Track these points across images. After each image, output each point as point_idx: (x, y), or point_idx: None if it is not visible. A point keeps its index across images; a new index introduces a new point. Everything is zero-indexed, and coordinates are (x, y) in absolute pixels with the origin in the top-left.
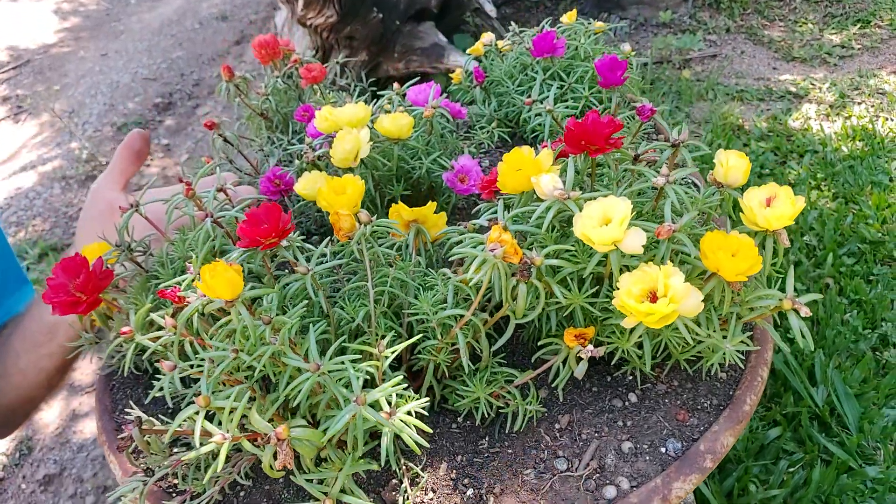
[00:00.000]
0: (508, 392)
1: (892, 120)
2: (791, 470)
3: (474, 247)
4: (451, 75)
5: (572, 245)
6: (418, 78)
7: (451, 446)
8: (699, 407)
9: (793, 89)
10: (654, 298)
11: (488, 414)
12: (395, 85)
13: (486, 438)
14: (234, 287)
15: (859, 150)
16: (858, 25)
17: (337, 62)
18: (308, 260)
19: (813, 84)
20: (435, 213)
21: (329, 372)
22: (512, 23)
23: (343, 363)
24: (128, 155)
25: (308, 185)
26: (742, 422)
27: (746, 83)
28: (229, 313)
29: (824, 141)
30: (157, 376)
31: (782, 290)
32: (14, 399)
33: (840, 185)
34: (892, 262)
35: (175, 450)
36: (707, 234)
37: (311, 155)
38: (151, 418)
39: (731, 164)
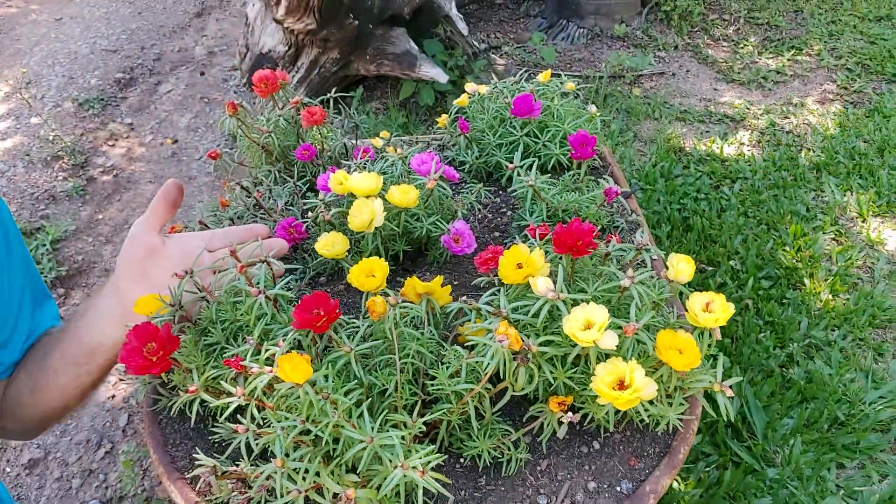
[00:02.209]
0: (503, 443)
1: (813, 152)
2: (707, 470)
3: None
4: (427, 82)
5: (558, 333)
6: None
7: (456, 483)
8: (645, 454)
9: (730, 113)
10: (622, 386)
11: (488, 461)
12: (398, 151)
13: (484, 477)
14: (306, 374)
15: (783, 179)
16: (792, 52)
17: (331, 95)
18: (349, 337)
19: (748, 108)
20: (430, 261)
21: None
22: (493, 76)
23: (390, 435)
24: (164, 204)
25: (328, 245)
26: (677, 467)
27: (690, 103)
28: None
29: (754, 169)
30: (204, 413)
31: (714, 374)
32: (50, 410)
33: (764, 213)
34: (803, 287)
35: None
36: (660, 332)
37: (327, 214)
38: (219, 464)
39: (680, 269)
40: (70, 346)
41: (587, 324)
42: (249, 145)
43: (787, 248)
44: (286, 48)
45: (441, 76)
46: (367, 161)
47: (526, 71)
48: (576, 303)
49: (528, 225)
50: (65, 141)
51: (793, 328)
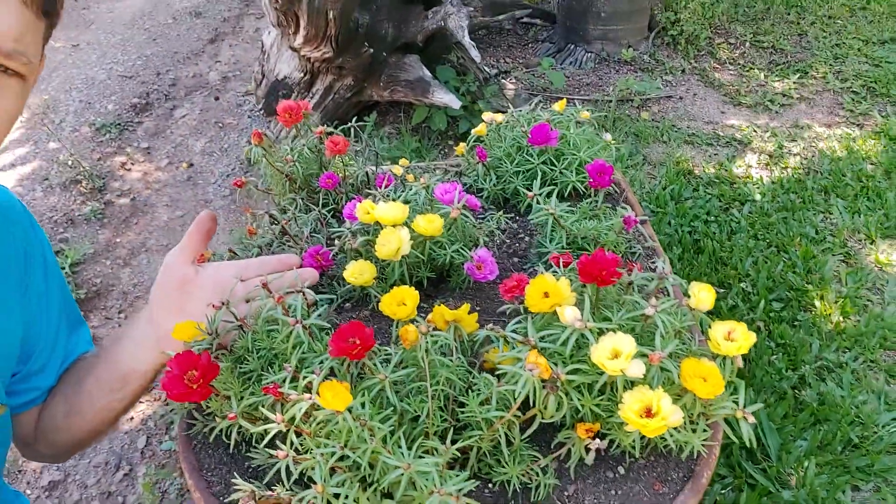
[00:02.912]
0: (532, 469)
1: (820, 174)
2: (723, 492)
3: (513, 359)
4: (439, 108)
5: (584, 361)
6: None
7: None
8: (669, 479)
9: (738, 136)
10: (649, 413)
11: (517, 487)
12: (422, 179)
13: (513, 502)
14: (346, 402)
15: (792, 202)
16: (798, 75)
17: (351, 125)
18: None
19: (755, 131)
20: (452, 287)
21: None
22: (504, 101)
23: (426, 462)
24: (198, 235)
25: (356, 273)
26: (700, 492)
27: (697, 126)
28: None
29: (763, 191)
30: (238, 439)
31: (735, 400)
32: (83, 434)
33: (774, 235)
34: (814, 309)
35: None
36: (684, 361)
37: (354, 243)
38: (257, 489)
39: (701, 297)
40: (105, 372)
41: (615, 353)
42: (273, 173)
43: (798, 270)
44: (302, 75)
45: (454, 102)
46: (392, 190)
47: (534, 95)
48: (601, 332)
49: (548, 251)
50: (83, 165)
51: (804, 350)
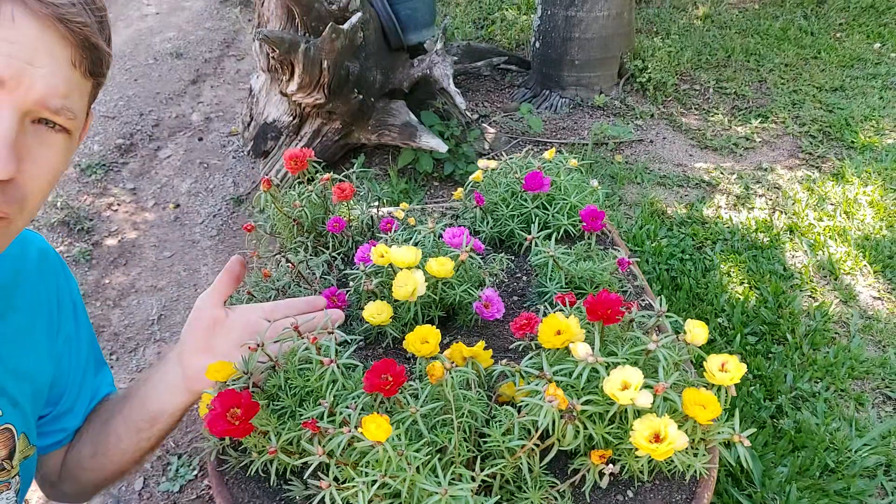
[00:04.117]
0: (550, 494)
1: (785, 214)
2: None
3: (533, 394)
4: (422, 152)
5: (595, 393)
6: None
7: None
8: (674, 501)
9: (706, 178)
10: (657, 439)
11: None
12: (430, 224)
13: None
14: (387, 433)
15: (760, 241)
16: (759, 120)
17: (352, 171)
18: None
19: (722, 173)
20: (460, 325)
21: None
22: (491, 149)
23: (461, 487)
24: (228, 279)
25: (374, 313)
26: None
27: (668, 168)
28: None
29: (733, 230)
30: (267, 473)
31: (731, 426)
32: (109, 473)
33: (745, 273)
34: (786, 342)
35: None
36: (685, 390)
37: (370, 284)
38: None
39: (696, 333)
40: (133, 412)
41: (624, 384)
42: (281, 218)
43: (769, 306)
44: (291, 118)
45: (441, 146)
46: (401, 233)
47: (514, 139)
48: (608, 366)
49: (548, 291)
50: (70, 206)
51: (780, 381)
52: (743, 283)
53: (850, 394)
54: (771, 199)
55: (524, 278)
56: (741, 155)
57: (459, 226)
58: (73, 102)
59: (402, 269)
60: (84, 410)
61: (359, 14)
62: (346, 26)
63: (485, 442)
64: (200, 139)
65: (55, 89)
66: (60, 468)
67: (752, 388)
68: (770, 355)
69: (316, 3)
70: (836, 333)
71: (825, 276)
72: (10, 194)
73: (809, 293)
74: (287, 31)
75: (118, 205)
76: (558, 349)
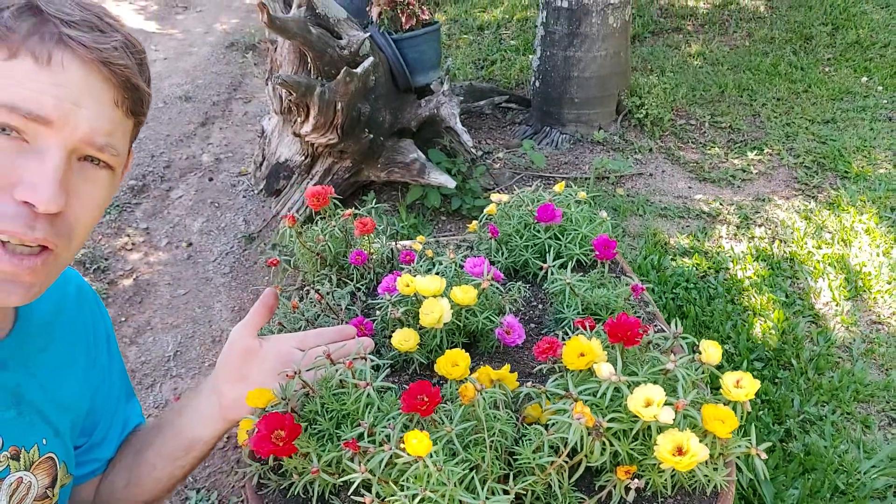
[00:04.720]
0: None
1: (784, 243)
2: None
3: (562, 412)
4: (433, 189)
5: (618, 411)
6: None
7: None
8: None
9: (706, 209)
10: (680, 452)
11: None
12: (450, 255)
13: None
14: (428, 448)
15: (761, 269)
16: (755, 152)
17: (372, 206)
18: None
19: (721, 204)
20: (482, 351)
21: None
22: (496, 184)
23: (499, 499)
24: (262, 310)
25: (402, 340)
26: None
27: (669, 200)
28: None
29: (734, 259)
30: (307, 495)
31: (748, 440)
32: (143, 502)
33: (748, 300)
34: (791, 367)
35: None
36: (704, 406)
37: (397, 313)
38: None
39: (710, 352)
40: (167, 442)
41: (647, 402)
42: (304, 252)
43: (773, 332)
44: (303, 158)
45: (449, 182)
46: (421, 264)
47: (517, 174)
48: (630, 385)
49: (566, 317)
50: (86, 246)
51: (787, 405)
52: (747, 310)
53: (857, 416)
54: (770, 229)
55: (540, 306)
56: (739, 186)
57: (476, 256)
58: (115, 140)
59: (427, 297)
60: (117, 441)
61: (371, 58)
62: (359, 70)
63: (515, 460)
64: (211, 179)
65: (99, 128)
66: (93, 498)
67: (761, 412)
68: (776, 380)
69: (328, 48)
70: (839, 358)
71: (826, 303)
72: (59, 227)
73: (811, 319)
74: (300, 74)
75: (132, 244)
76: (581, 371)
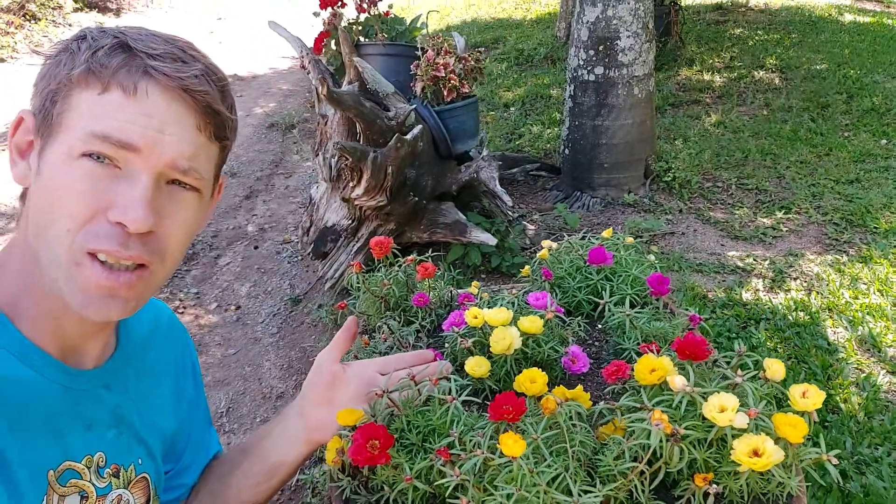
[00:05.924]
0: None
1: (821, 294)
2: None
3: (641, 420)
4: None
5: (691, 420)
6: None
7: None
8: None
9: (740, 264)
10: (756, 454)
11: None
12: (512, 290)
13: None
14: (522, 448)
15: (801, 319)
16: (783, 211)
17: (430, 255)
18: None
19: (755, 260)
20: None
21: None
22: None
23: (591, 493)
24: (345, 337)
25: (475, 366)
26: None
27: (703, 257)
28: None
29: (773, 310)
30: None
31: (818, 447)
32: None
33: (791, 348)
34: (840, 411)
35: None
36: (775, 415)
37: (467, 343)
38: None
39: (774, 369)
40: (253, 465)
41: (721, 408)
42: (369, 297)
43: (819, 378)
44: (350, 222)
45: (490, 240)
46: (484, 302)
47: (552, 234)
48: (704, 396)
49: (626, 349)
50: None
51: (839, 447)
52: (791, 357)
53: None
54: (805, 282)
55: (596, 343)
56: (770, 243)
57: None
58: (199, 164)
59: (495, 327)
60: (200, 467)
61: (420, 126)
62: (409, 137)
63: (595, 470)
64: (256, 247)
65: (183, 152)
66: None
67: None
68: (826, 424)
69: (378, 119)
70: (889, 402)
71: (868, 349)
72: (152, 246)
73: (855, 365)
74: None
75: (184, 308)
76: (654, 386)
